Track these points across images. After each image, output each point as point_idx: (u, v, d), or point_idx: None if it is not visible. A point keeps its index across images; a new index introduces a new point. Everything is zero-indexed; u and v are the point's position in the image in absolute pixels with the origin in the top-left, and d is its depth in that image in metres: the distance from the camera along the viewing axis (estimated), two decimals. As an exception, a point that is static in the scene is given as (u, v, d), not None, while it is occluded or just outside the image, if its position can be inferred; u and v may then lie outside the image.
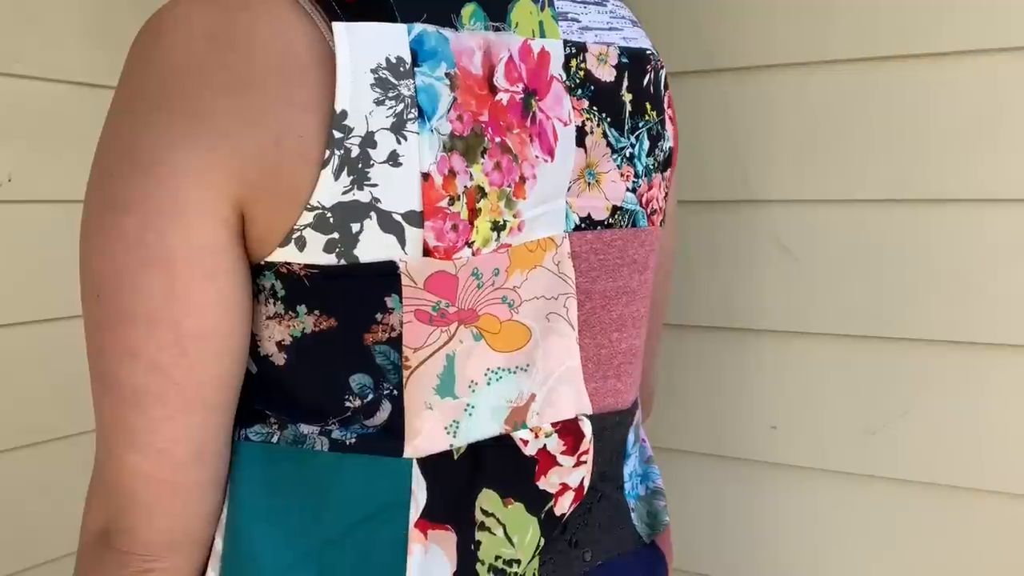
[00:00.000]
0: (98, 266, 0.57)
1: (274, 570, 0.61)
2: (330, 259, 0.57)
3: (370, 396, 0.62)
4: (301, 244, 0.56)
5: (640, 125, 0.72)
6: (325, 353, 0.61)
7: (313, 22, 0.55)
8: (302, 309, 0.60)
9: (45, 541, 1.30)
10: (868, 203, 1.09)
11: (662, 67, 0.76)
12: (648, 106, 0.73)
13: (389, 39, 0.56)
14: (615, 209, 0.71)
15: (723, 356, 1.20)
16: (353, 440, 0.62)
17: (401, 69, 0.56)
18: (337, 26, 0.55)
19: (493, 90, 0.61)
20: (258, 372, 0.63)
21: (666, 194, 0.78)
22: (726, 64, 1.15)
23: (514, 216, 0.63)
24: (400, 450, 0.62)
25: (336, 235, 0.56)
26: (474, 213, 0.60)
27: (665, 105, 0.76)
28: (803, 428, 1.16)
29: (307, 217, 0.55)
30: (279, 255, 0.57)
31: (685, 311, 1.20)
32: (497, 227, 0.62)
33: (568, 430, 0.69)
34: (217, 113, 0.54)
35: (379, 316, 0.60)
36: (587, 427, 0.70)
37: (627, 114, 0.71)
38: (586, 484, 0.70)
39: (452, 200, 0.59)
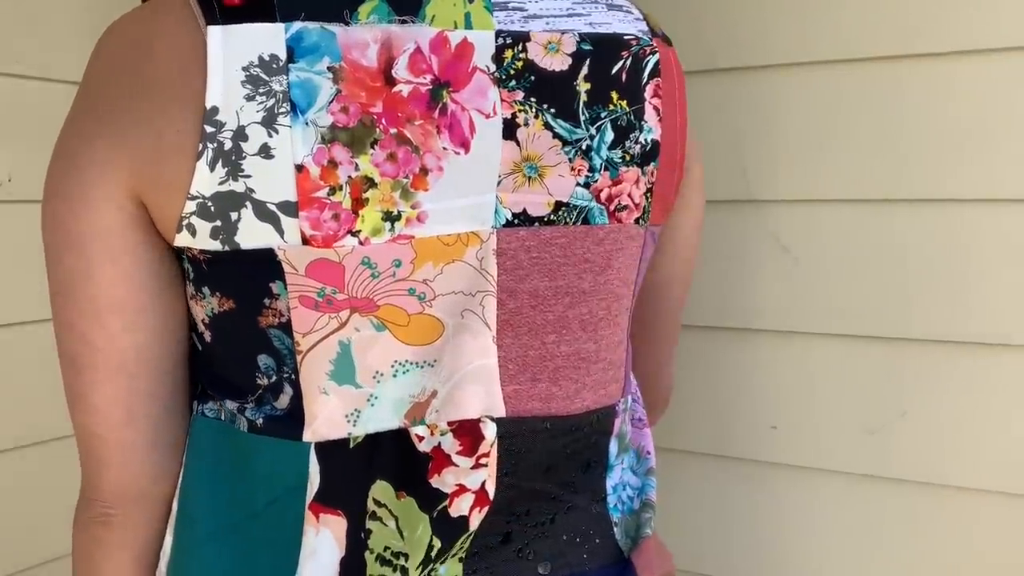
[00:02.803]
0: (44, 246, 0.65)
1: (205, 535, 0.68)
2: (216, 245, 0.62)
3: (274, 377, 0.66)
4: (192, 231, 0.61)
5: (602, 116, 0.68)
6: (232, 332, 0.66)
7: (198, 26, 0.60)
8: (207, 290, 0.65)
9: (45, 541, 1.30)
10: (868, 203, 1.09)
11: (651, 53, 0.71)
12: (614, 95, 0.69)
13: (265, 38, 0.60)
14: (559, 205, 0.68)
15: (723, 356, 1.20)
16: (261, 421, 0.67)
17: (274, 66, 0.60)
18: (211, 29, 0.59)
19: (391, 82, 0.62)
20: (200, 350, 0.69)
21: (648, 190, 0.72)
22: (727, 64, 1.15)
23: (412, 207, 0.63)
24: (300, 435, 0.66)
25: (218, 223, 0.61)
26: (359, 203, 0.62)
27: (647, 94, 0.71)
28: (803, 428, 1.16)
29: (191, 206, 0.61)
30: (179, 240, 0.62)
31: (685, 311, 1.20)
32: (390, 217, 0.63)
33: (465, 430, 0.67)
34: (120, 113, 0.62)
35: (267, 301, 0.64)
36: (489, 430, 0.68)
37: (582, 104, 0.68)
38: (490, 489, 0.68)
39: (333, 190, 0.61)
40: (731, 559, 1.23)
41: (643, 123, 0.71)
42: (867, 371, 1.12)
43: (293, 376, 0.65)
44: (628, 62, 0.70)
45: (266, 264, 0.62)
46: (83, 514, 0.69)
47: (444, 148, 0.63)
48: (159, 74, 0.61)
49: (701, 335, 1.21)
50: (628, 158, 0.70)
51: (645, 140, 0.71)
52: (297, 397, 0.65)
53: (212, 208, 0.60)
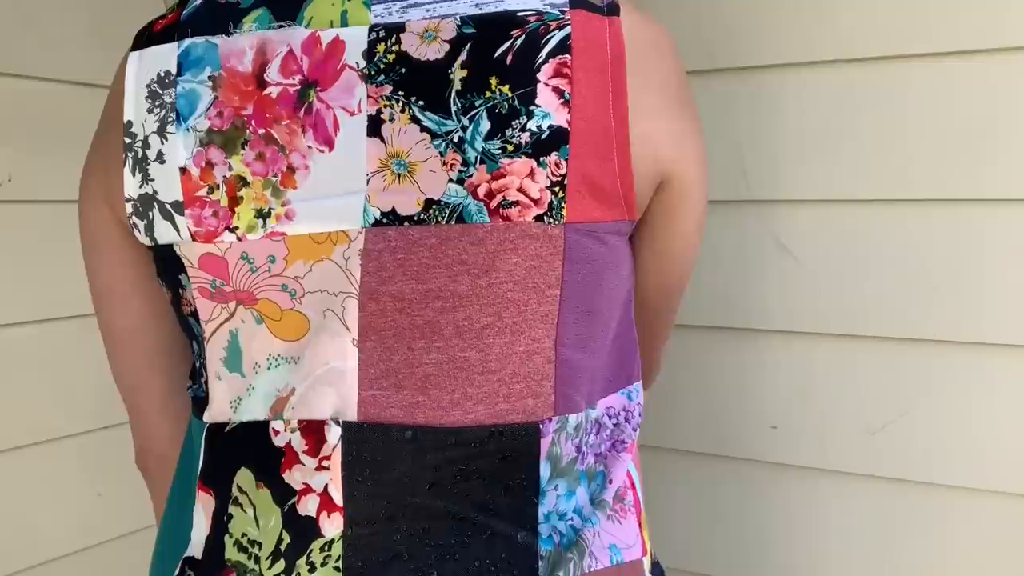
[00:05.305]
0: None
1: (180, 492, 0.76)
2: (148, 241, 0.70)
3: (197, 362, 0.74)
4: (138, 229, 0.70)
5: (477, 104, 0.63)
6: (177, 318, 0.75)
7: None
8: (160, 281, 0.74)
9: (45, 541, 1.30)
10: (868, 203, 1.09)
11: (556, 28, 0.64)
12: (494, 80, 0.63)
13: (164, 57, 0.68)
14: (430, 203, 0.64)
15: (723, 356, 1.21)
16: (191, 399, 0.76)
17: (167, 80, 0.68)
18: (131, 55, 0.69)
19: (262, 85, 0.66)
20: None
21: (557, 183, 0.64)
22: (726, 64, 1.15)
23: (282, 205, 0.66)
24: (202, 415, 0.73)
25: (145, 221, 0.69)
26: (235, 201, 0.67)
27: (543, 75, 0.64)
28: (803, 428, 1.16)
29: (129, 207, 0.70)
30: (138, 238, 0.71)
31: (685, 311, 1.20)
32: (262, 214, 0.66)
33: (312, 430, 0.68)
34: (98, 134, 0.74)
35: (180, 291, 0.71)
36: (332, 433, 0.67)
37: (454, 93, 0.63)
38: (335, 494, 0.67)
39: (212, 189, 0.67)
40: (731, 559, 1.23)
41: (533, 108, 0.63)
42: (867, 371, 1.12)
43: (204, 360, 0.72)
44: (519, 42, 0.64)
45: (173, 258, 0.69)
46: (136, 462, 0.84)
47: (309, 147, 0.65)
48: (110, 99, 0.72)
49: (701, 335, 1.21)
50: (512, 148, 0.64)
51: (538, 127, 0.64)
52: (206, 380, 0.72)
53: (140, 208, 0.69)
